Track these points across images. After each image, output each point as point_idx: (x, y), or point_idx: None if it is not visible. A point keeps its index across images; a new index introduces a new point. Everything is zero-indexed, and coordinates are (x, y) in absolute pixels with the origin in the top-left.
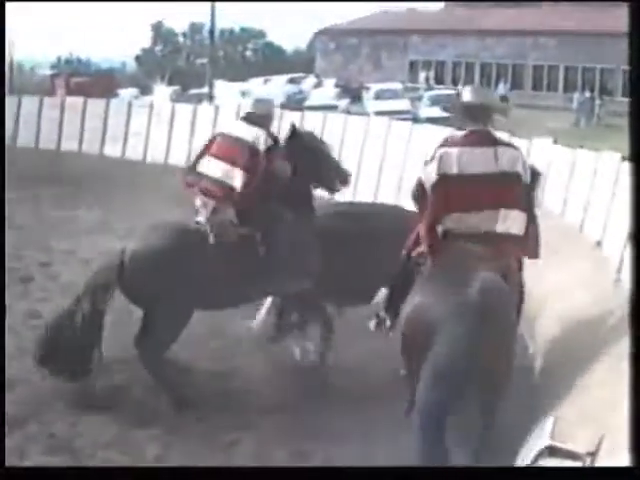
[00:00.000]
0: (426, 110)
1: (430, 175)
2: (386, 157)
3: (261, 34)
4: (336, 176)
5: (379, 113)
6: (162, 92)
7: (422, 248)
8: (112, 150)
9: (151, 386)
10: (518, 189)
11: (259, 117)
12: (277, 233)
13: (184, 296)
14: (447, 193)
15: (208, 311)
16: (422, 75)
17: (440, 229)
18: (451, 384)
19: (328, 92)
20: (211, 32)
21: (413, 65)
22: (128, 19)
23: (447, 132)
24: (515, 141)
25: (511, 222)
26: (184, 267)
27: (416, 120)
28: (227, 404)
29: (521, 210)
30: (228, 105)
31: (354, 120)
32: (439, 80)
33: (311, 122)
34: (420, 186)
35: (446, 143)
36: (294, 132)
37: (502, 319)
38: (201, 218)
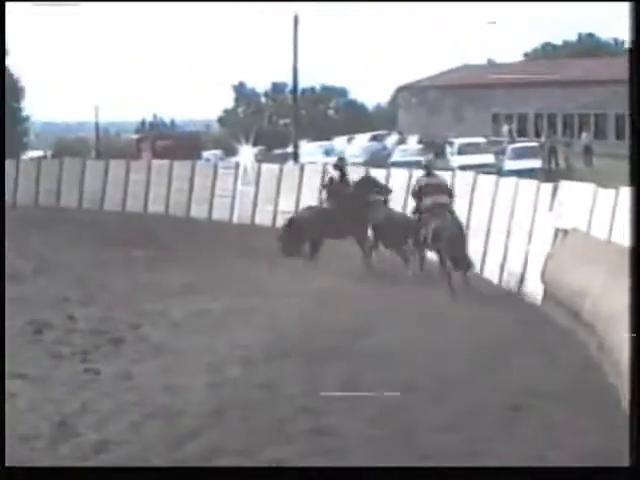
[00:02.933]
0: (510, 163)
1: (418, 185)
2: (473, 210)
3: (343, 92)
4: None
5: (463, 167)
6: (247, 153)
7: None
8: (198, 211)
9: None
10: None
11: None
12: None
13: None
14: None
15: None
16: (505, 128)
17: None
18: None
19: (412, 148)
20: (294, 92)
21: (495, 118)
22: (210, 81)
23: (532, 184)
24: (600, 191)
25: (445, 198)
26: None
27: (500, 173)
28: None
29: (448, 195)
30: (313, 164)
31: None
32: (522, 132)
33: (397, 179)
34: (415, 190)
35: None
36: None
37: (461, 225)
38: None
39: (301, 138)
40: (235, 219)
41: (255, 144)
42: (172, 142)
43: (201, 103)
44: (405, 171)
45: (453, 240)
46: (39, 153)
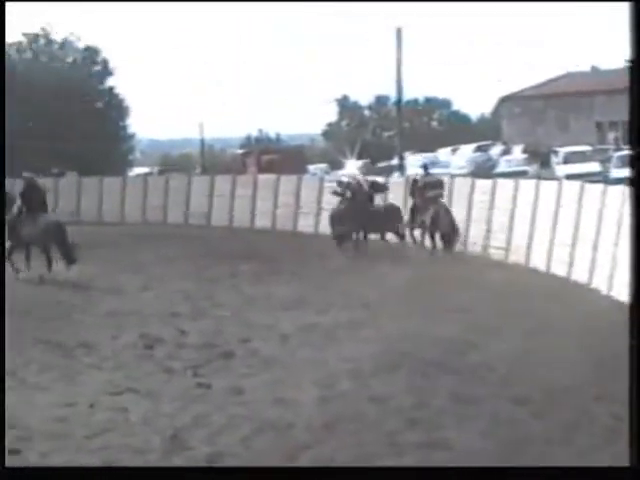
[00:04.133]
0: (617, 171)
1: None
2: (580, 220)
3: (446, 103)
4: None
5: (569, 177)
6: (352, 166)
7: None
8: (305, 226)
9: None
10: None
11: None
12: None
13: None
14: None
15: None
16: (610, 135)
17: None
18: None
19: (516, 158)
20: (398, 104)
21: (599, 125)
22: (314, 95)
23: None
24: None
25: (439, 192)
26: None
27: (607, 182)
28: None
29: (440, 188)
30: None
31: (546, 185)
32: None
33: (503, 189)
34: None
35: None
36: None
37: (450, 211)
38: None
39: (405, 150)
40: None
41: (360, 157)
42: (278, 156)
43: (305, 117)
44: (511, 181)
45: (447, 222)
46: (145, 170)
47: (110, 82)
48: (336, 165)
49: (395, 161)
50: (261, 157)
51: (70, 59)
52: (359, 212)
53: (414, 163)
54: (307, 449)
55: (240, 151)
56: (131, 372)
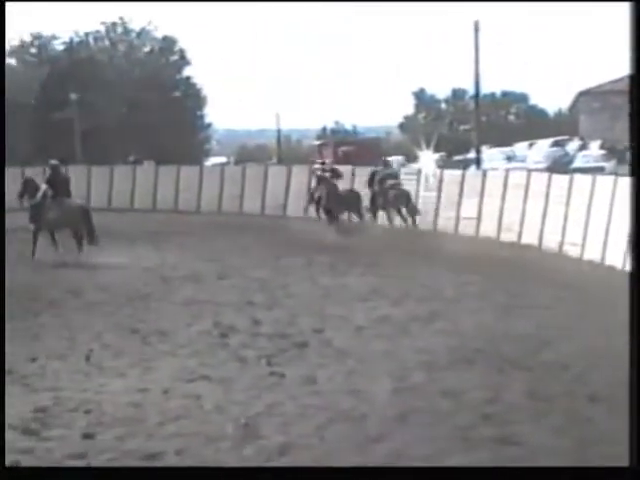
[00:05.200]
0: None
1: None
2: None
3: (523, 97)
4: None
5: None
6: (428, 159)
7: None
8: (381, 217)
9: None
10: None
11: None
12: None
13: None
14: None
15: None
16: None
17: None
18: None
19: (594, 154)
20: (475, 98)
21: None
22: (391, 87)
23: None
24: None
25: (392, 182)
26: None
27: None
28: None
29: (396, 178)
30: (495, 170)
31: (624, 182)
32: None
33: (580, 185)
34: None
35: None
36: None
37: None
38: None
39: (482, 144)
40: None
41: (436, 150)
42: (354, 148)
43: (382, 109)
44: (588, 177)
45: (409, 200)
46: (222, 160)
47: (187, 72)
48: (412, 158)
49: (472, 155)
50: (337, 148)
51: (147, 48)
52: (332, 196)
53: (491, 157)
54: (379, 441)
55: (317, 142)
56: (205, 360)
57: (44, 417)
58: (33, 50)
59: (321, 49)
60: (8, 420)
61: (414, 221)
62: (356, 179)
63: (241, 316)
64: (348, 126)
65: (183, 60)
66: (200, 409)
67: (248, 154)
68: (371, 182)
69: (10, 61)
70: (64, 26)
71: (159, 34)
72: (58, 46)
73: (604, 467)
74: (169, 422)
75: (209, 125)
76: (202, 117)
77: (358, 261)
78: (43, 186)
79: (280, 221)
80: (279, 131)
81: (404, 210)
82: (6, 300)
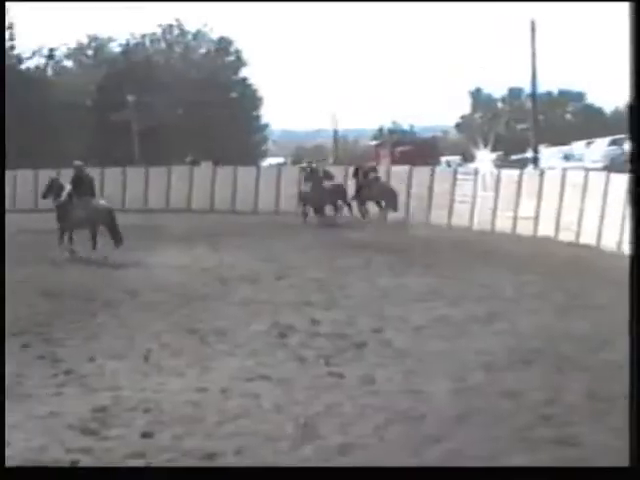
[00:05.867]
0: None
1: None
2: None
3: (580, 96)
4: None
5: None
6: (485, 158)
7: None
8: (438, 217)
9: None
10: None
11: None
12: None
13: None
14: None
15: None
16: None
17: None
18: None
19: None
20: (532, 97)
21: None
22: (447, 87)
23: None
24: None
25: (373, 175)
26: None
27: None
28: None
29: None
30: (552, 169)
31: None
32: None
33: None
34: (356, 172)
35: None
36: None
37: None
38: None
39: (539, 143)
40: (475, 225)
41: (493, 149)
42: (411, 148)
43: (439, 109)
44: None
45: (393, 194)
46: (279, 160)
47: (243, 73)
48: (469, 157)
49: (529, 154)
50: (394, 148)
51: (204, 50)
52: (318, 191)
53: (548, 156)
54: (438, 442)
55: (373, 142)
56: (264, 359)
57: (103, 417)
58: (90, 52)
59: (378, 49)
60: (68, 420)
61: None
62: (414, 180)
63: (299, 316)
64: (405, 126)
65: (239, 61)
66: (259, 409)
67: (305, 154)
68: (356, 175)
69: (67, 63)
70: (121, 28)
71: (215, 35)
72: (115, 48)
73: (604, 467)
74: (228, 421)
75: (266, 126)
76: (258, 118)
77: (416, 261)
78: (67, 186)
79: (338, 221)
80: (336, 131)
81: (383, 203)
82: (62, 300)
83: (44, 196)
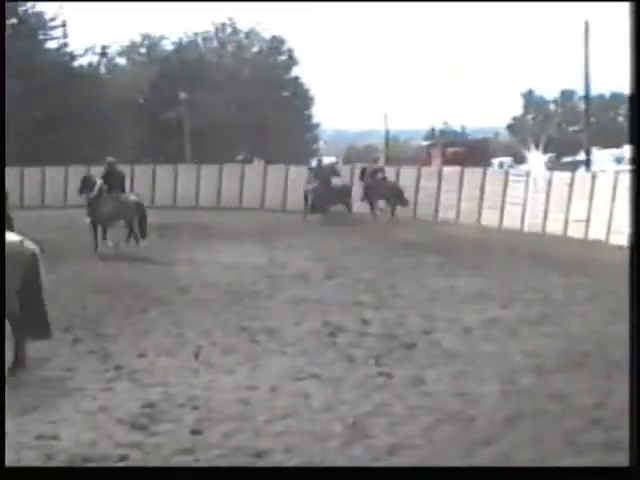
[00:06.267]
0: None
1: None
2: None
3: None
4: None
5: None
6: (537, 160)
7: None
8: (489, 219)
9: None
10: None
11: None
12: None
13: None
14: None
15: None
16: None
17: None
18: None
19: None
20: (585, 98)
21: None
22: (499, 88)
23: None
24: None
25: (381, 175)
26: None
27: None
28: None
29: (384, 172)
30: (604, 172)
31: None
32: None
33: None
34: (362, 173)
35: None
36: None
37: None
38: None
39: (592, 145)
40: (526, 227)
41: (545, 152)
42: (462, 149)
43: (490, 110)
44: None
45: (400, 192)
46: (331, 159)
47: (295, 72)
48: (520, 159)
49: (581, 156)
50: (446, 149)
51: (256, 49)
52: (323, 189)
53: (601, 159)
54: (487, 444)
55: (425, 143)
56: (314, 358)
57: (152, 412)
58: (142, 50)
59: (431, 49)
60: (117, 415)
61: (394, 211)
62: (465, 181)
63: (349, 316)
64: (456, 127)
65: (291, 60)
66: (308, 408)
67: (356, 154)
68: (363, 176)
69: (119, 60)
70: (174, 26)
71: (267, 34)
72: (167, 46)
73: (604, 467)
74: (277, 420)
75: (317, 125)
76: (310, 117)
77: (467, 262)
78: (98, 182)
79: (388, 221)
80: (387, 132)
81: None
82: (113, 296)
83: (80, 192)
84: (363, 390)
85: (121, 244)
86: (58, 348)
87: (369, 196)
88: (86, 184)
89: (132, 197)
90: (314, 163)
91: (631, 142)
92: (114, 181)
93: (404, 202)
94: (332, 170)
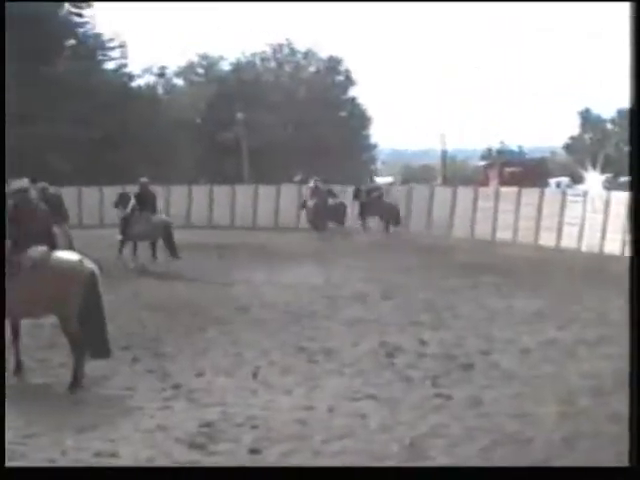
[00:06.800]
0: None
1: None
2: None
3: None
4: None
5: None
6: (594, 180)
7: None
8: (547, 239)
9: None
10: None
11: None
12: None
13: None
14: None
15: None
16: None
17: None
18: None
19: None
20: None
21: None
22: (556, 107)
23: None
24: None
25: (377, 193)
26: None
27: None
28: None
29: (380, 191)
30: None
31: None
32: None
33: None
34: (356, 193)
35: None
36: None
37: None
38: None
39: None
40: (583, 247)
41: (602, 171)
42: (520, 169)
43: (547, 130)
44: None
45: (396, 211)
46: (388, 179)
47: (352, 92)
48: (577, 178)
49: None
50: (503, 169)
51: (313, 69)
52: (322, 208)
53: None
54: (545, 464)
55: (482, 162)
56: (371, 379)
57: (210, 431)
58: (200, 70)
59: (488, 69)
60: (175, 433)
61: (388, 228)
62: (522, 200)
63: (406, 336)
64: (513, 147)
65: (348, 80)
66: (365, 428)
67: (413, 174)
68: (357, 195)
69: (177, 81)
70: (231, 47)
71: (325, 54)
72: (225, 66)
73: (604, 467)
74: (334, 440)
75: (375, 145)
76: (367, 137)
77: (523, 283)
78: (132, 201)
79: (445, 242)
80: (444, 151)
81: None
82: (171, 315)
83: (116, 206)
84: (420, 411)
85: (169, 262)
86: (117, 367)
87: (363, 213)
88: (122, 200)
89: (161, 218)
90: (311, 184)
91: (631, 144)
92: (146, 201)
93: (398, 221)
94: (328, 190)
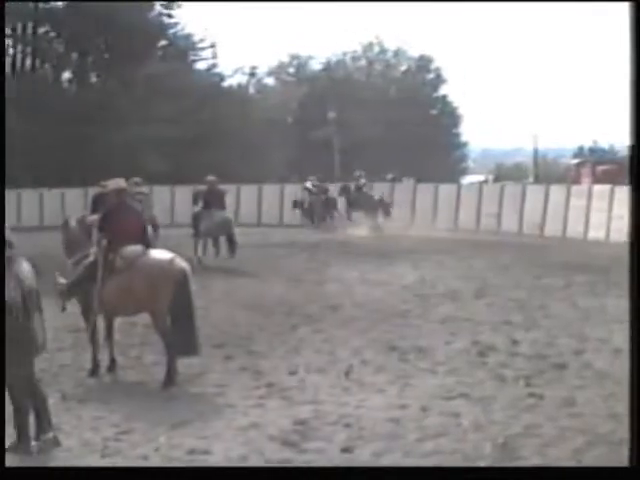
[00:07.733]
0: None
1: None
2: None
3: None
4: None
5: None
6: None
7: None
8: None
9: None
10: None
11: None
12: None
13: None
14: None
15: None
16: None
17: None
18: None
19: None
20: None
21: None
22: None
23: None
24: None
25: (366, 189)
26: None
27: None
28: None
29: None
30: None
31: None
32: None
33: None
34: (343, 189)
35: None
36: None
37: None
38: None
39: None
40: None
41: None
42: (614, 167)
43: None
44: None
45: (387, 205)
46: (480, 178)
47: (443, 90)
48: None
49: None
50: (596, 167)
51: (404, 67)
52: (316, 203)
53: None
54: None
55: (574, 161)
56: (464, 378)
57: (304, 430)
58: (291, 70)
59: (578, 67)
60: (268, 431)
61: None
62: (615, 199)
63: (499, 335)
64: (605, 145)
65: (439, 78)
66: (458, 427)
67: (504, 173)
68: (345, 191)
69: (268, 80)
70: (322, 46)
71: (415, 53)
72: (316, 65)
73: (604, 467)
74: (427, 439)
75: (465, 144)
76: (458, 135)
77: (616, 281)
78: (200, 199)
79: (538, 240)
80: (536, 150)
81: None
82: (263, 313)
83: (194, 202)
84: (513, 410)
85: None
86: (210, 364)
87: (353, 207)
88: (196, 198)
89: (222, 215)
90: (308, 184)
91: (631, 143)
92: (214, 199)
93: (388, 213)
94: (321, 188)
